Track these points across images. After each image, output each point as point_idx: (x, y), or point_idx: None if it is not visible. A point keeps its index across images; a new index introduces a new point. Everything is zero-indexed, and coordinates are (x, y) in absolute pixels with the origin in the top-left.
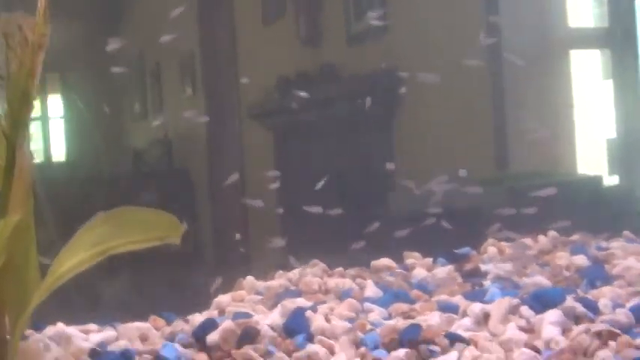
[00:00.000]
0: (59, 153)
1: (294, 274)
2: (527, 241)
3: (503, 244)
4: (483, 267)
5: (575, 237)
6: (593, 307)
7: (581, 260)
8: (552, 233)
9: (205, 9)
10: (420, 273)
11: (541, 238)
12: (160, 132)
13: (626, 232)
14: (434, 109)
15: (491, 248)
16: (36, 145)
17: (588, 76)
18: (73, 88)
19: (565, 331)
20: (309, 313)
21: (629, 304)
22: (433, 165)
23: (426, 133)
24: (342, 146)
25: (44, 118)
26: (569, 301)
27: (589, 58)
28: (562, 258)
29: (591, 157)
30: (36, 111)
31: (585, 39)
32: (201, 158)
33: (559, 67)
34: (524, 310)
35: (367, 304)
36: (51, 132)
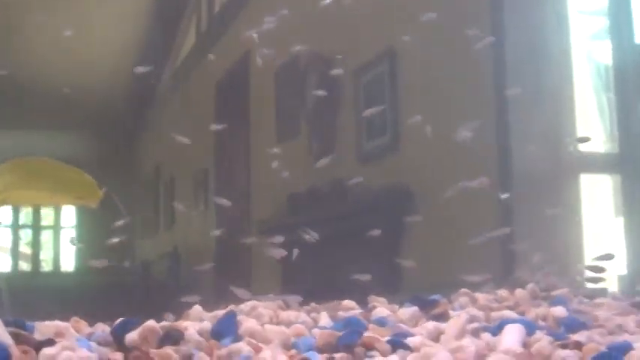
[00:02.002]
0: (69, 261)
1: (246, 305)
2: (504, 293)
3: (478, 294)
4: (453, 313)
5: (558, 291)
6: (562, 337)
7: (560, 312)
8: (531, 286)
9: (220, 131)
10: (381, 312)
11: (518, 291)
12: (170, 245)
13: (613, 290)
14: (442, 227)
15: (462, 298)
16: (47, 254)
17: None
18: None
19: (526, 345)
20: (241, 317)
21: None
22: (440, 279)
23: (434, 249)
24: (353, 264)
25: (57, 227)
26: (538, 334)
27: (599, 185)
28: (540, 308)
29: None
30: (49, 220)
31: (596, 164)
32: (210, 272)
33: (569, 193)
34: (485, 335)
35: (314, 330)
36: (62, 241)
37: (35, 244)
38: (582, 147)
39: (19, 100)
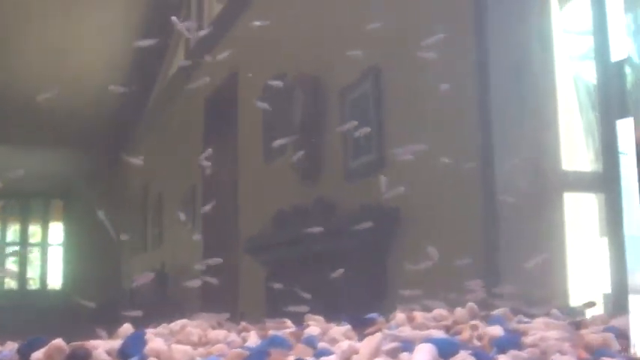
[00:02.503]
0: (56, 280)
1: (176, 324)
2: (443, 312)
3: (416, 313)
4: (386, 332)
5: (498, 311)
6: (487, 358)
7: (496, 331)
8: (471, 305)
9: (209, 147)
10: (312, 331)
11: (458, 310)
12: (157, 264)
13: (554, 311)
14: (427, 245)
15: (400, 315)
16: (34, 272)
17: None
18: (75, 217)
19: None
20: (148, 336)
21: None
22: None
23: (420, 271)
24: (337, 282)
25: (44, 245)
26: (461, 355)
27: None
28: (476, 328)
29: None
30: (36, 237)
31: (581, 183)
32: (196, 291)
33: (552, 212)
34: (404, 355)
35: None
36: (49, 258)
37: (22, 261)
38: (567, 165)
39: (3, 115)
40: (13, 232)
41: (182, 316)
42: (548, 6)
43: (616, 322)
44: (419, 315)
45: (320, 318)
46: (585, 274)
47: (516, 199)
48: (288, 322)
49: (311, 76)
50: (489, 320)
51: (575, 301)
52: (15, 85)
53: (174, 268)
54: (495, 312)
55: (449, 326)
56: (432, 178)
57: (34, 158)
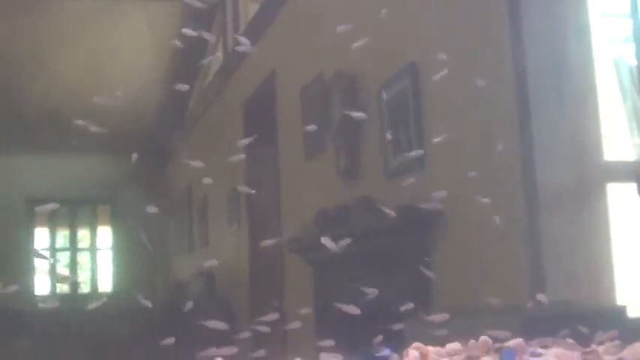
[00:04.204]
0: (106, 283)
1: None
2: (456, 346)
3: (430, 347)
4: None
5: (511, 342)
6: None
7: None
8: (484, 338)
9: (251, 146)
10: None
11: (472, 343)
12: (204, 264)
13: (568, 340)
14: (470, 244)
15: (412, 352)
16: (84, 275)
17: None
18: (122, 221)
19: None
20: None
21: None
22: (471, 299)
23: (464, 266)
24: (379, 279)
25: (93, 249)
26: None
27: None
28: None
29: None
30: (85, 242)
31: (624, 172)
32: (244, 291)
33: (596, 203)
34: None
35: None
36: (99, 262)
37: (73, 265)
38: (609, 155)
39: (51, 123)
40: (63, 237)
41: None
42: None
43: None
44: (432, 350)
45: (339, 356)
46: (633, 270)
47: (558, 192)
48: None
49: (348, 73)
50: (502, 354)
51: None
52: (60, 93)
53: (220, 268)
54: (509, 343)
55: None
56: (471, 176)
57: (81, 165)
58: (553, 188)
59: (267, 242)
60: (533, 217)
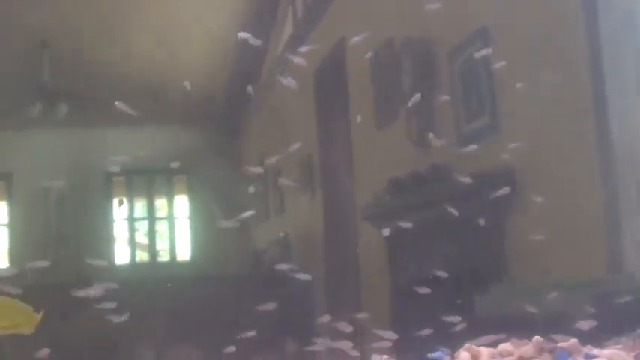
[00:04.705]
0: (184, 252)
1: None
2: (508, 347)
3: (482, 348)
4: None
5: (564, 343)
6: None
7: None
8: (537, 338)
9: (323, 115)
10: None
11: (524, 343)
12: (279, 232)
13: (625, 339)
14: (545, 210)
15: (464, 353)
16: (163, 244)
17: None
18: (198, 190)
19: None
20: None
21: None
22: (543, 264)
23: (536, 234)
24: (453, 247)
25: (171, 218)
26: None
27: None
28: None
29: None
30: (163, 211)
31: None
32: (319, 259)
33: None
34: None
35: None
36: (177, 231)
37: (151, 234)
38: None
39: (127, 96)
40: (141, 207)
41: None
42: None
43: None
44: (484, 351)
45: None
46: None
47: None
48: None
49: (419, 39)
50: (554, 356)
51: None
52: (134, 67)
53: (296, 235)
54: (563, 344)
55: None
56: (547, 142)
57: (157, 136)
58: (630, 160)
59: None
60: (610, 187)
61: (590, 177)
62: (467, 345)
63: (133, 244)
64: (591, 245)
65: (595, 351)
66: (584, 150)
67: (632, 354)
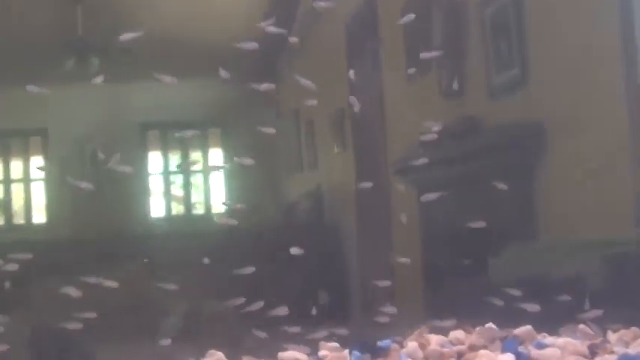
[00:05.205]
0: (217, 204)
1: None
2: (459, 335)
3: (432, 336)
4: None
5: (519, 330)
6: None
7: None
8: (490, 325)
9: (353, 68)
10: None
11: (477, 331)
12: (312, 184)
13: (582, 326)
14: (575, 164)
15: (412, 343)
16: (198, 197)
17: None
18: (234, 142)
19: None
20: None
21: None
22: (573, 223)
23: (567, 188)
24: (483, 200)
25: (205, 171)
26: None
27: None
28: (484, 356)
29: None
30: (198, 164)
31: None
32: (351, 212)
33: None
34: None
35: None
36: (211, 184)
37: (186, 187)
38: None
39: (161, 49)
40: (176, 160)
41: None
42: None
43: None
44: (434, 339)
45: (335, 345)
46: None
47: None
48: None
49: None
50: (504, 344)
51: None
52: (168, 20)
53: (329, 189)
54: (517, 331)
55: (462, 352)
56: (576, 96)
57: (191, 89)
58: None
59: None
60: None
61: (619, 133)
62: (417, 332)
63: (168, 196)
64: (615, 204)
65: (549, 339)
66: (614, 104)
67: (587, 343)
